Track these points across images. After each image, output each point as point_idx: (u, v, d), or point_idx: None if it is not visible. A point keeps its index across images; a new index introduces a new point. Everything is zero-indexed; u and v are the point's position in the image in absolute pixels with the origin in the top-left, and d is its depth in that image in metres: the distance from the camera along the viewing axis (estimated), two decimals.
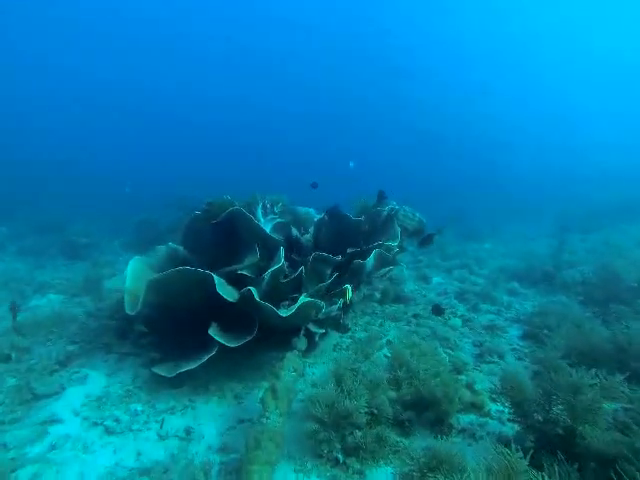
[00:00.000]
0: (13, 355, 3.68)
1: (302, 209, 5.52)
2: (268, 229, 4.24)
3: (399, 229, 4.59)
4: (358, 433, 2.60)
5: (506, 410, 2.92)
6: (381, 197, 4.94)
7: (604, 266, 5.17)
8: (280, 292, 3.66)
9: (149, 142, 45.51)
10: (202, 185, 16.68)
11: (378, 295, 5.37)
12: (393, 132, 45.80)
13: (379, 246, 4.16)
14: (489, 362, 3.87)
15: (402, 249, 4.90)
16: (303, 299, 3.30)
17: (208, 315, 3.45)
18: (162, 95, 43.85)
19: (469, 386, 3.20)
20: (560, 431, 2.05)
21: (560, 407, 2.20)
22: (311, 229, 5.05)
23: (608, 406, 2.22)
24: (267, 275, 3.40)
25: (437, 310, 4.62)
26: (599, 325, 3.88)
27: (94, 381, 3.39)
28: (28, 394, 3.11)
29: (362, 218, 4.58)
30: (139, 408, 3.06)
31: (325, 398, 2.73)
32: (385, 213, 4.64)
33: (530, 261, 7.26)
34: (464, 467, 1.92)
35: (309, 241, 4.82)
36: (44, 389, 3.17)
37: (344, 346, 4.16)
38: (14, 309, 4.10)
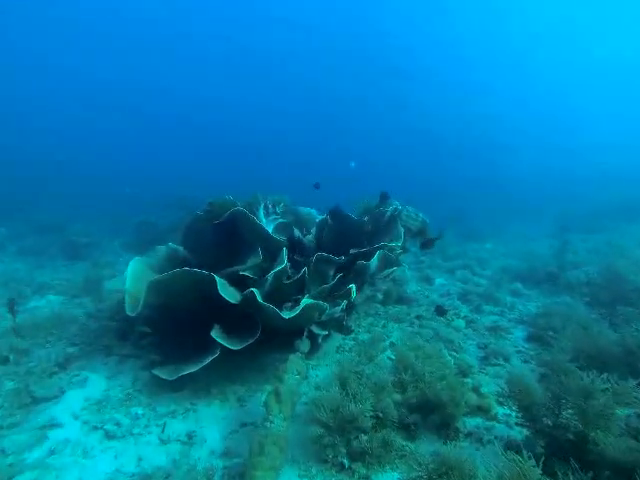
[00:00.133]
0: (11, 357, 3.62)
1: (304, 209, 5.47)
2: (270, 229, 4.19)
3: (402, 230, 4.54)
4: (363, 437, 2.55)
5: (513, 414, 2.87)
6: (384, 197, 4.90)
7: (609, 267, 5.10)
8: (283, 293, 3.61)
9: (149, 142, 45.53)
10: (202, 185, 16.70)
11: (380, 296, 5.32)
12: (393, 132, 45.84)
13: (383, 247, 4.11)
14: (494, 364, 3.82)
15: (405, 250, 4.86)
16: (306, 301, 3.25)
17: (209, 317, 3.40)
18: (162, 95, 43.81)
19: (475, 389, 3.15)
20: (571, 437, 2.01)
21: (570, 412, 2.16)
22: (313, 230, 5.00)
23: (620, 412, 2.17)
24: (270, 276, 3.35)
25: (440, 311, 4.58)
26: (606, 327, 3.83)
27: (94, 384, 3.34)
28: (27, 397, 3.06)
29: (365, 218, 4.52)
30: (140, 412, 3.01)
31: (330, 402, 2.68)
32: (388, 213, 4.59)
33: (533, 261, 7.22)
34: (474, 474, 1.88)
35: (311, 242, 4.77)
36: (43, 392, 3.12)
37: (347, 348, 4.11)
38: (12, 306, 4.04)
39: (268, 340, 3.56)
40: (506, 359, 3.89)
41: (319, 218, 5.19)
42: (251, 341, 3.22)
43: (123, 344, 3.93)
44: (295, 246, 4.30)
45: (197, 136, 47.32)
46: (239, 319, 3.47)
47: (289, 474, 2.42)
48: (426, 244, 4.97)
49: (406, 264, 6.05)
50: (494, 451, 2.48)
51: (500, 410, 3.03)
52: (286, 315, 3.09)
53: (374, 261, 4.03)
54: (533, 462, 1.68)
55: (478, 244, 11.16)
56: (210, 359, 3.08)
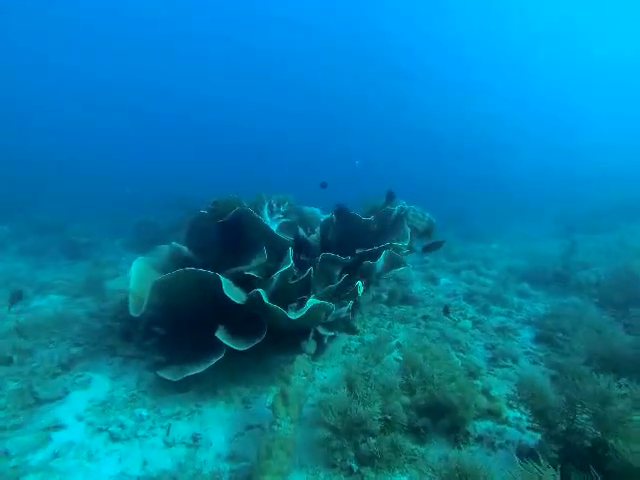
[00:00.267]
0: (15, 358, 3.58)
1: (308, 209, 5.42)
2: (274, 229, 4.15)
3: (409, 229, 4.50)
4: (372, 441, 2.49)
5: (524, 417, 2.82)
6: (390, 197, 4.85)
7: (622, 267, 5.02)
8: (288, 294, 3.56)
9: (149, 142, 45.52)
10: (202, 185, 16.67)
11: (385, 296, 5.27)
12: (393, 132, 45.84)
13: (389, 246, 4.06)
14: (503, 366, 3.76)
15: (411, 250, 4.81)
16: (313, 301, 3.21)
17: (214, 317, 3.35)
18: (162, 95, 43.81)
19: (485, 391, 3.09)
20: (588, 443, 1.95)
21: (585, 417, 2.10)
22: (317, 229, 4.95)
23: (637, 418, 2.11)
24: (276, 276, 3.30)
25: (446, 310, 4.55)
26: (620, 329, 3.76)
27: (98, 385, 3.30)
28: (30, 399, 3.02)
29: (371, 218, 4.47)
30: (144, 413, 2.96)
31: (337, 404, 2.63)
32: (395, 213, 4.54)
33: (539, 262, 7.15)
34: None
35: (316, 241, 4.72)
36: (47, 393, 3.08)
37: (353, 349, 4.06)
38: (17, 298, 3.98)
39: (273, 341, 3.51)
40: (514, 360, 3.83)
41: (323, 217, 5.15)
42: (258, 341, 3.17)
43: (127, 345, 3.88)
44: (300, 246, 4.24)
45: (197, 136, 47.34)
46: (244, 320, 3.42)
47: (297, 479, 2.37)
48: (429, 248, 4.94)
49: (411, 264, 6.01)
50: (507, 456, 2.45)
51: (511, 413, 2.97)
52: (293, 316, 3.04)
53: (380, 261, 3.98)
54: (552, 471, 1.62)
55: (482, 244, 11.10)
56: (215, 360, 3.04)
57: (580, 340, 3.41)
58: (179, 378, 3.05)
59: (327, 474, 2.41)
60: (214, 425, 2.89)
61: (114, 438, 2.70)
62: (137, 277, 3.73)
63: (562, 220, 13.58)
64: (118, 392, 3.21)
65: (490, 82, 43.68)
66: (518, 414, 2.94)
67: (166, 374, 3.17)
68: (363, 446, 2.48)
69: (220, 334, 3.10)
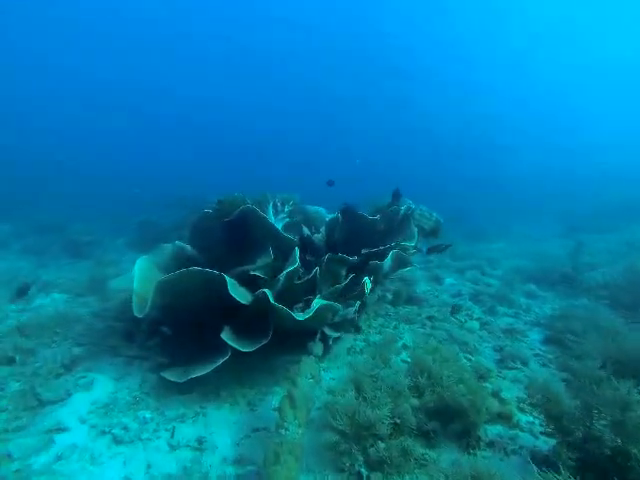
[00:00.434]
0: (17, 358, 3.53)
1: (312, 208, 5.37)
2: (279, 228, 4.09)
3: (416, 229, 4.44)
4: (381, 445, 2.43)
5: (537, 422, 2.76)
6: (396, 196, 4.79)
7: (631, 268, 4.96)
8: (294, 294, 3.51)
9: (149, 142, 45.45)
10: (202, 185, 16.61)
11: (390, 296, 5.21)
12: (393, 132, 45.79)
13: (396, 246, 4.00)
14: (512, 368, 3.69)
15: (418, 250, 4.76)
16: (320, 302, 3.15)
17: (219, 317, 3.30)
18: (162, 95, 43.77)
19: (495, 394, 3.03)
20: (607, 452, 1.87)
21: (603, 423, 2.02)
22: (322, 228, 4.89)
23: None
24: (282, 277, 3.25)
25: (454, 310, 4.50)
26: (634, 332, 3.66)
27: (101, 386, 3.24)
28: (33, 400, 2.97)
29: (377, 217, 4.41)
30: (148, 415, 2.90)
31: (345, 407, 2.57)
32: (402, 212, 4.48)
33: (544, 262, 7.07)
34: None
35: (321, 241, 4.66)
36: (49, 395, 3.03)
37: (358, 349, 3.99)
38: (24, 290, 3.92)
39: (278, 342, 3.45)
40: (524, 363, 3.76)
41: (328, 217, 5.09)
42: (265, 342, 3.12)
43: (129, 345, 3.83)
44: (305, 245, 4.19)
45: (197, 136, 47.26)
46: (249, 320, 3.37)
47: None
48: (435, 249, 4.89)
49: (415, 263, 5.96)
50: (521, 463, 2.37)
51: (523, 418, 2.90)
52: (300, 317, 2.98)
53: (388, 261, 3.92)
54: None
55: (485, 244, 11.03)
56: (221, 361, 2.98)
57: (592, 342, 3.33)
58: (184, 380, 3.00)
59: (335, 479, 2.35)
60: (219, 428, 2.83)
61: (118, 441, 2.64)
62: (141, 277, 3.67)
63: (565, 220, 13.53)
64: (121, 394, 3.15)
65: (490, 82, 43.69)
66: (530, 418, 2.87)
67: (170, 375, 3.11)
68: (372, 450, 2.42)
69: (225, 335, 3.05)
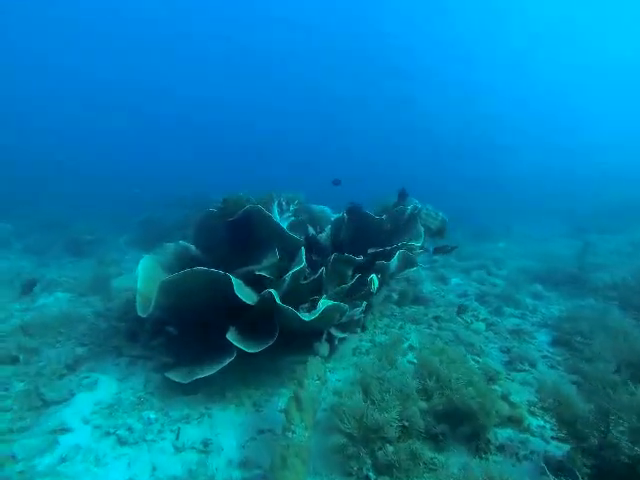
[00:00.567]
0: (21, 357, 3.51)
1: (317, 207, 5.33)
2: (285, 227, 4.05)
3: (422, 229, 4.41)
4: (389, 448, 2.38)
5: (548, 426, 2.70)
6: (403, 195, 4.75)
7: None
8: (300, 294, 3.46)
9: (149, 142, 45.38)
10: (202, 185, 16.54)
11: (395, 296, 5.16)
12: (393, 132, 45.76)
13: (403, 246, 3.97)
14: (520, 370, 3.63)
15: (425, 249, 4.71)
16: (326, 302, 3.11)
17: (224, 318, 3.26)
18: (162, 95, 43.75)
19: (504, 397, 2.97)
20: (625, 459, 1.80)
21: (620, 429, 1.95)
22: (327, 228, 4.83)
23: None
24: (288, 277, 3.21)
25: (460, 310, 4.46)
26: None
27: (105, 386, 3.21)
28: (37, 400, 2.94)
29: (383, 217, 4.37)
30: (152, 416, 2.87)
31: (353, 410, 2.53)
32: (408, 212, 4.44)
33: (550, 262, 7.01)
34: None
35: (326, 240, 4.62)
36: (53, 395, 3.00)
37: (364, 350, 3.94)
38: (30, 286, 3.88)
39: (284, 342, 3.41)
40: (532, 364, 3.71)
41: (333, 216, 5.05)
42: (271, 342, 3.08)
43: (133, 345, 3.80)
44: (311, 245, 4.15)
45: (197, 136, 47.20)
46: (255, 320, 3.33)
47: None
48: (441, 250, 4.85)
49: (420, 263, 5.91)
50: (533, 468, 2.31)
51: (533, 421, 2.84)
52: (306, 317, 2.94)
53: (394, 261, 3.88)
54: None
55: (490, 244, 10.96)
56: (227, 362, 2.95)
57: (603, 344, 3.27)
58: (189, 380, 2.97)
59: None
60: (225, 429, 2.79)
61: (122, 442, 2.61)
62: (144, 276, 3.64)
63: (568, 220, 13.50)
64: (125, 394, 3.12)
65: (490, 82, 43.67)
66: (541, 422, 2.82)
67: (175, 376, 3.08)
68: (380, 454, 2.37)
69: (231, 336, 3.01)
